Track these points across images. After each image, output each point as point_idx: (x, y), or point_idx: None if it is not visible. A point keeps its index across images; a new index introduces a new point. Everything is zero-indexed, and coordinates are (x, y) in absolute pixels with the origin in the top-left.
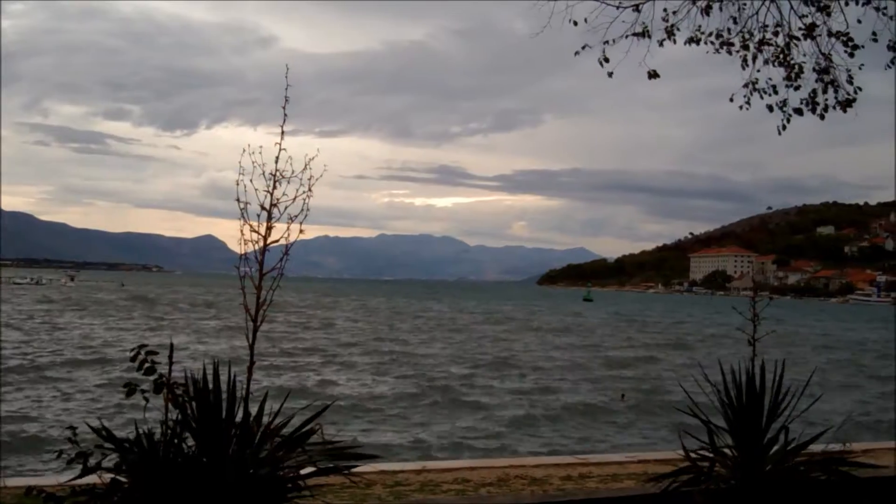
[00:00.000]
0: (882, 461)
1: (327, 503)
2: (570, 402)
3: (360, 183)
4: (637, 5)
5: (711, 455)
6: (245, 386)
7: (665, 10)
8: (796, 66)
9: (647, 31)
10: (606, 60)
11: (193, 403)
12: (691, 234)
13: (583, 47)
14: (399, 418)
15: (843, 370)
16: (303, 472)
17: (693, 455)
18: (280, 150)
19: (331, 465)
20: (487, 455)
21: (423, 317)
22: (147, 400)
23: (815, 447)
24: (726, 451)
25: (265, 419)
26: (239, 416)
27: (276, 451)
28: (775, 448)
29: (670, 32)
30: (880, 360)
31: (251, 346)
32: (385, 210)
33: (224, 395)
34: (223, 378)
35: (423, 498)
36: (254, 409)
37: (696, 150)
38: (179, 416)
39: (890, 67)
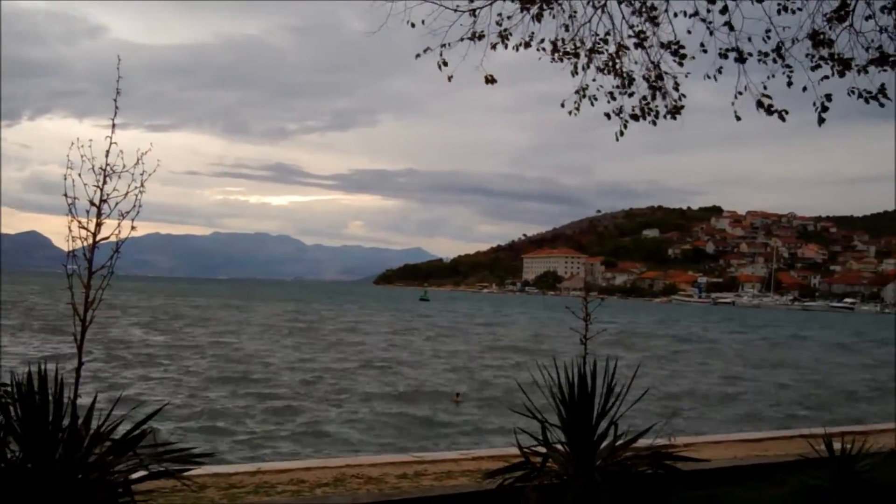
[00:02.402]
0: (703, 455)
1: None
2: (403, 402)
3: (193, 179)
4: (474, 10)
5: (545, 451)
6: (73, 388)
7: (500, 14)
8: (626, 75)
9: (483, 34)
10: (445, 64)
11: (18, 406)
12: (524, 235)
13: (424, 50)
14: (235, 421)
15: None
16: (134, 476)
17: (526, 451)
18: (111, 143)
19: (162, 469)
20: (323, 455)
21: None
22: None
23: (643, 442)
24: (559, 446)
25: (94, 423)
26: (67, 420)
27: (105, 455)
28: (605, 443)
29: (504, 37)
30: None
31: (79, 348)
32: (219, 207)
33: (51, 398)
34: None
35: (258, 500)
36: (83, 413)
37: (528, 154)
38: (2, 420)
39: (714, 75)
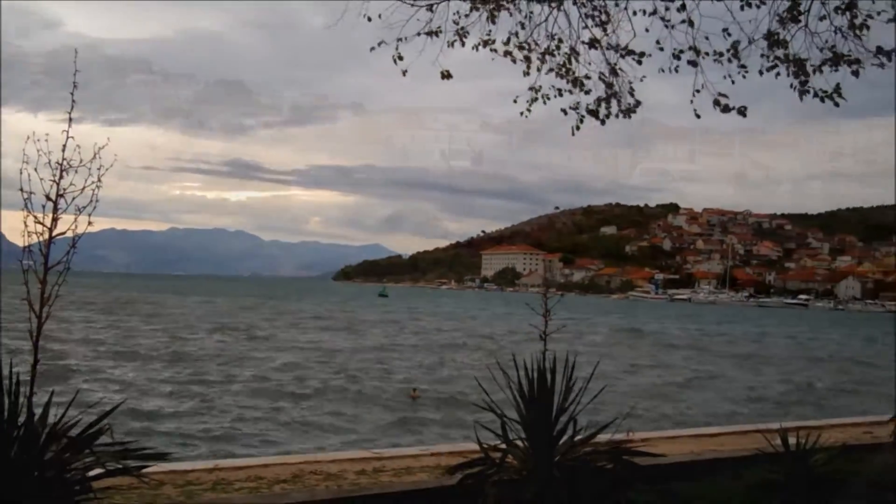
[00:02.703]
0: (660, 449)
1: None
2: (361, 399)
3: (149, 174)
4: (431, 5)
5: (504, 446)
6: (29, 385)
7: (457, 12)
8: (579, 80)
9: (439, 30)
10: (401, 58)
11: None
12: (483, 232)
13: (378, 44)
14: (192, 419)
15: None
16: (91, 473)
17: (486, 447)
18: (68, 138)
19: (119, 466)
20: (282, 452)
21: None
22: None
23: (602, 437)
24: (518, 442)
25: (51, 419)
26: (22, 417)
27: (62, 452)
28: (564, 439)
29: (461, 34)
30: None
31: (35, 344)
32: (176, 203)
33: (6, 395)
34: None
35: (216, 497)
36: (39, 410)
37: (487, 150)
38: None
39: (671, 73)
